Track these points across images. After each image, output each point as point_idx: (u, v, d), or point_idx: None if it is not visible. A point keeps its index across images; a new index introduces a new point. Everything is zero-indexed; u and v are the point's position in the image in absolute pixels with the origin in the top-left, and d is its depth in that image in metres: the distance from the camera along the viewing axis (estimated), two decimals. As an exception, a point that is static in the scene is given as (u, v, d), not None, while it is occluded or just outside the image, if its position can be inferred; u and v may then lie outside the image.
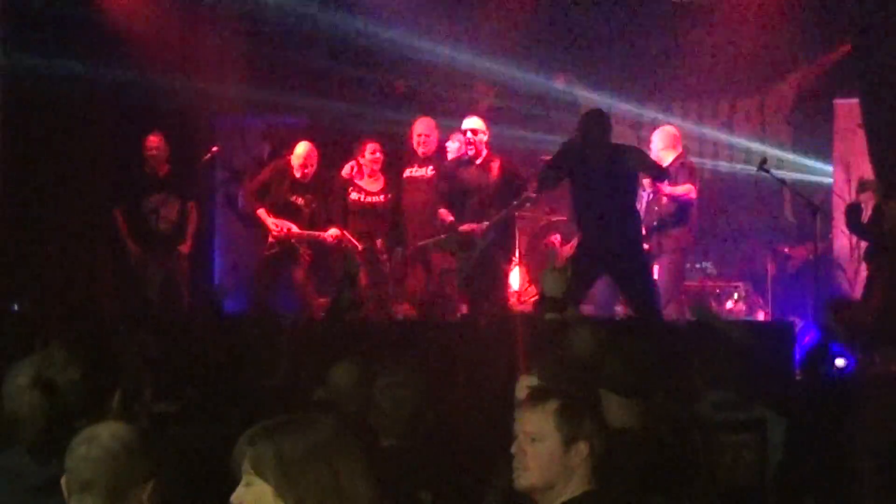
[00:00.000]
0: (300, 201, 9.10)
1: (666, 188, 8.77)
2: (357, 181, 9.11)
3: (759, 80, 11.20)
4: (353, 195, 9.10)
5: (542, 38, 11.08)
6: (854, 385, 5.87)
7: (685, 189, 8.86)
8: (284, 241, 9.07)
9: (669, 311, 8.56)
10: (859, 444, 4.54)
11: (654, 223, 8.87)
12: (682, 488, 3.32)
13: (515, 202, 8.72)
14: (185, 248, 9.36)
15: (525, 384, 3.58)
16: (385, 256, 9.05)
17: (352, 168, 9.10)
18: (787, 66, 11.09)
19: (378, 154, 9.12)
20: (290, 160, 9.19)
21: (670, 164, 8.89)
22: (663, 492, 3.32)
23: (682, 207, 8.90)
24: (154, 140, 9.28)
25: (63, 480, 2.71)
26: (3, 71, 9.69)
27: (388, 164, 9.25)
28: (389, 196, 9.12)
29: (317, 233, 9.07)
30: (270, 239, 9.13)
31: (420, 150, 9.11)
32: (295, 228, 9.07)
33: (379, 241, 9.05)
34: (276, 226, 9.06)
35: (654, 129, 9.47)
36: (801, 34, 10.62)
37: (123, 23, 10.05)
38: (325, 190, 9.22)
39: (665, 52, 10.96)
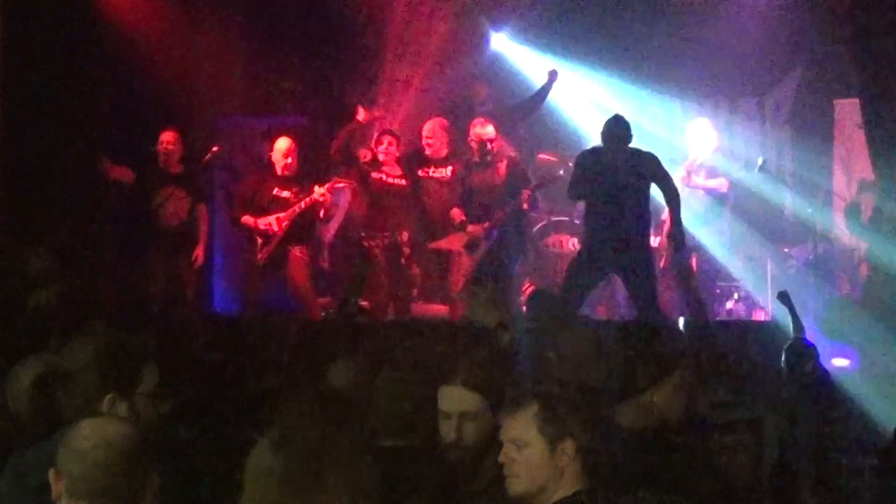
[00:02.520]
0: (287, 194, 9.09)
1: (700, 181, 8.96)
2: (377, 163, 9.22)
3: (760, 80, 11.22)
4: (375, 175, 9.17)
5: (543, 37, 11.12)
6: (853, 385, 5.89)
7: (718, 182, 9.04)
8: (275, 245, 9.04)
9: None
10: (857, 443, 4.56)
11: (691, 217, 8.94)
12: (678, 486, 3.33)
13: (509, 208, 8.69)
14: (199, 252, 9.25)
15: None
16: (408, 251, 9.08)
17: (364, 154, 9.22)
18: (786, 66, 11.10)
19: (392, 147, 9.20)
20: (271, 158, 9.22)
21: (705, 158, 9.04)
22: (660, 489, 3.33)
23: (717, 200, 9.03)
24: (168, 135, 9.24)
25: (52, 474, 2.63)
26: (5, 68, 9.70)
27: (404, 157, 9.31)
28: (409, 183, 9.17)
29: (306, 201, 8.97)
30: (259, 242, 9.11)
31: (427, 152, 9.18)
32: (282, 215, 9.04)
33: (405, 234, 9.09)
34: (264, 224, 9.04)
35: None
36: (801, 34, 10.62)
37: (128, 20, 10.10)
38: (308, 184, 9.19)
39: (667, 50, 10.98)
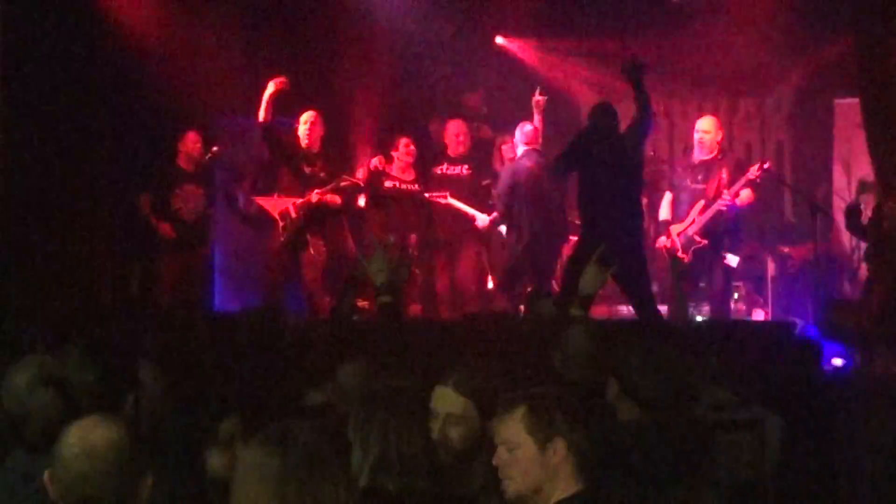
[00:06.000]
0: (309, 170, 9.10)
1: (728, 198, 8.66)
2: (388, 171, 9.31)
3: (760, 80, 11.21)
4: (388, 183, 9.30)
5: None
6: (853, 385, 5.87)
7: (747, 195, 8.75)
8: (294, 229, 9.00)
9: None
10: (857, 443, 4.54)
11: (730, 225, 8.82)
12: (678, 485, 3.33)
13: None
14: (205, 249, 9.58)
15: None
16: (416, 254, 9.14)
17: (380, 160, 9.29)
18: (787, 66, 11.10)
19: (412, 147, 9.38)
20: (296, 130, 9.21)
21: (714, 158, 8.82)
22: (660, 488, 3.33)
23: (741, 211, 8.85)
24: (193, 137, 9.49)
25: (47, 476, 2.60)
26: (5, 68, 9.68)
27: (419, 159, 9.48)
28: (422, 187, 9.33)
29: (305, 198, 8.96)
30: (280, 226, 9.05)
31: (458, 149, 9.38)
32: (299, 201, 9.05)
33: (413, 237, 9.15)
34: (281, 209, 9.01)
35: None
36: (801, 33, 10.62)
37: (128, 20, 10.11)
38: (332, 161, 9.25)
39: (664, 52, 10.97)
